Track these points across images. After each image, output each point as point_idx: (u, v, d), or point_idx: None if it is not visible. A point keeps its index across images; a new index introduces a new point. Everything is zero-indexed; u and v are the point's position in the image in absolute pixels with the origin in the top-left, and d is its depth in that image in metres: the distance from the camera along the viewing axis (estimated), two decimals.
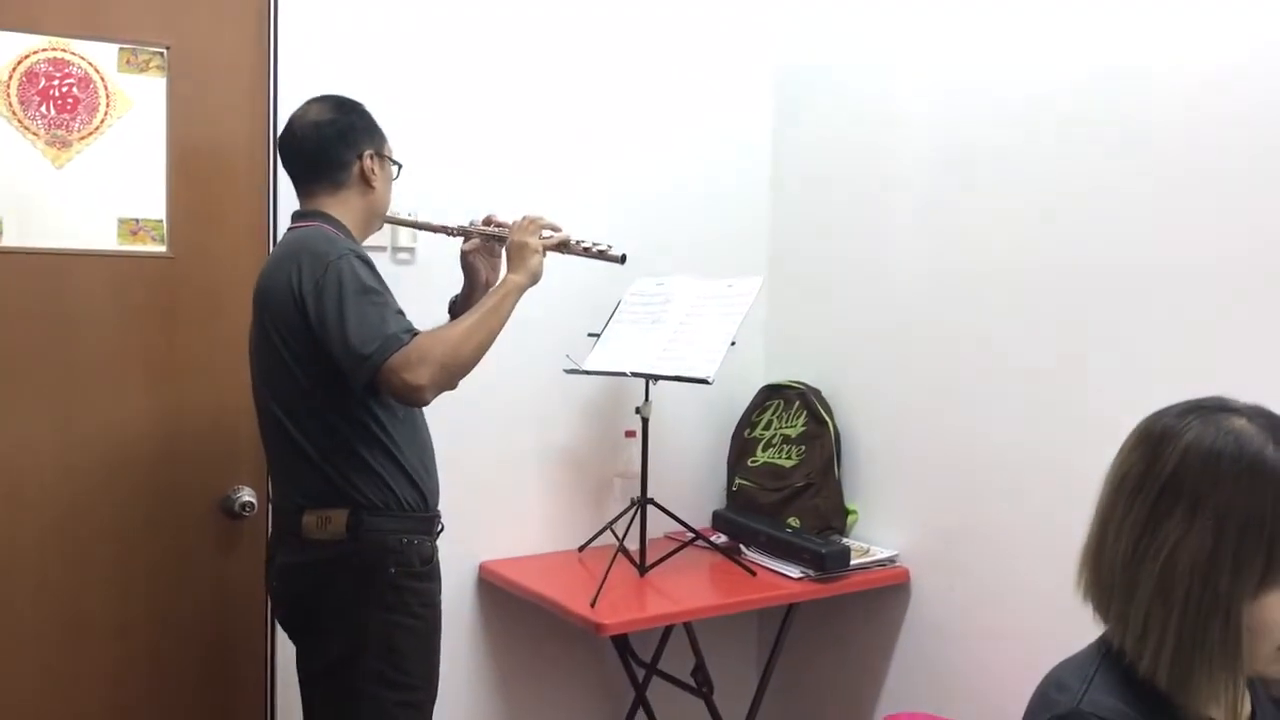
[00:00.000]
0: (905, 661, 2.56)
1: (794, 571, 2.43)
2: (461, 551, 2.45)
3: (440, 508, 1.97)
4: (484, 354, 1.84)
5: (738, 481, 2.82)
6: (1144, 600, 1.08)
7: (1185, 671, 1.06)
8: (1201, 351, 1.95)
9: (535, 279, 1.99)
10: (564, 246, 2.09)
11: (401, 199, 2.11)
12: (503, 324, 1.89)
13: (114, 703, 2.16)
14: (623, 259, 2.11)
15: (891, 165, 2.59)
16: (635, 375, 2.41)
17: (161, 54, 2.16)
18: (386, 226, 2.15)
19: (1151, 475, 1.10)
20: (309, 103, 1.96)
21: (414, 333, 1.76)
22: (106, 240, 2.13)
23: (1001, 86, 2.32)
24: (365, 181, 1.95)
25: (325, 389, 1.80)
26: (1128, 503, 1.12)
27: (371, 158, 1.95)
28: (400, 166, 2.05)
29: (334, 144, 1.92)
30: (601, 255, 2.12)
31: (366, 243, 1.98)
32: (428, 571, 1.90)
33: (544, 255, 2.01)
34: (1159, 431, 1.12)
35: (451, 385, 1.80)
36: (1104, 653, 1.16)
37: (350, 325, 1.71)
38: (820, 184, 2.81)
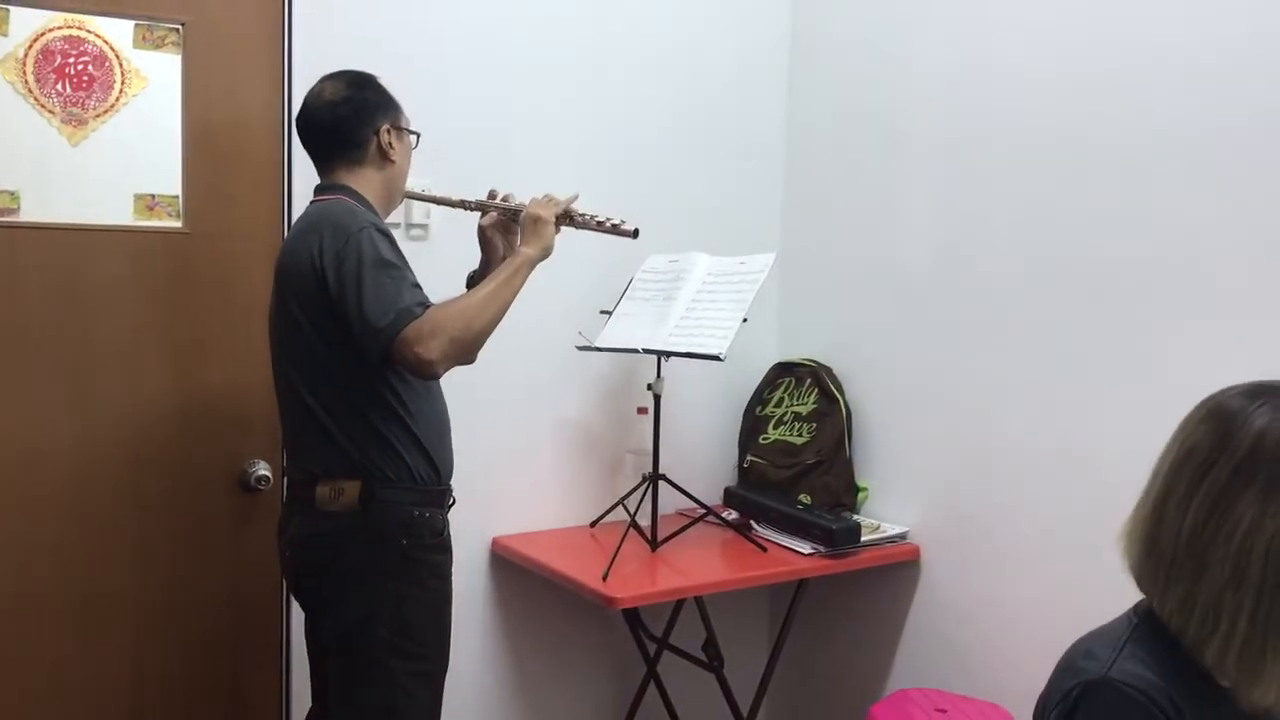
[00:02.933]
0: (915, 638, 2.57)
1: (804, 547, 2.44)
2: (474, 526, 2.47)
3: (453, 482, 1.99)
4: (495, 327, 1.85)
5: (749, 458, 2.83)
6: (1215, 585, 1.06)
7: (1257, 658, 1.05)
8: (1212, 331, 1.95)
9: (547, 252, 1.99)
10: (577, 220, 2.08)
11: (415, 174, 2.12)
12: (514, 296, 1.89)
13: (132, 674, 2.19)
14: (635, 233, 2.11)
15: (906, 145, 2.58)
16: (647, 352, 2.41)
17: (177, 30, 2.17)
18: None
19: (1224, 453, 1.08)
20: (323, 81, 1.96)
21: (428, 306, 1.76)
22: (123, 215, 2.15)
23: (1017, 59, 2.31)
24: (384, 156, 1.96)
25: (343, 359, 1.81)
26: (1194, 480, 1.10)
27: (388, 132, 1.95)
28: (419, 135, 2.06)
29: (349, 122, 1.92)
30: (615, 230, 2.11)
31: None
32: (439, 544, 1.92)
33: (557, 229, 2.02)
34: (1230, 411, 1.10)
35: (465, 358, 1.80)
36: (1135, 624, 1.15)
37: (366, 297, 1.73)
38: (834, 163, 2.80)
